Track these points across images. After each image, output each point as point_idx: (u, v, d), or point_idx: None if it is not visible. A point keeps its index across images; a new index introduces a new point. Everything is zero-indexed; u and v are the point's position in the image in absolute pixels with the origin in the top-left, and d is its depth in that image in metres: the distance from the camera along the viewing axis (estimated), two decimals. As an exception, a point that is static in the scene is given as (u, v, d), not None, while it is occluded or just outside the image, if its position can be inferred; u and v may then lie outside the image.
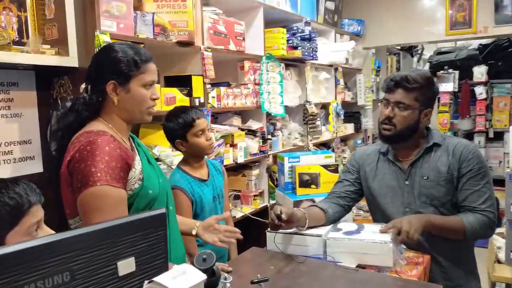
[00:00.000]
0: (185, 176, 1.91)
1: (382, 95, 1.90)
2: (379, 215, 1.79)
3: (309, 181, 2.71)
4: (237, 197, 2.96)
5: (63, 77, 1.90)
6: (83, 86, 1.33)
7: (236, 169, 2.97)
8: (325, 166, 2.69)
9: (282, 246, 1.65)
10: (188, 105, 2.29)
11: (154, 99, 1.37)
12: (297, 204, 2.53)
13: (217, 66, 2.97)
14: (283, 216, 1.51)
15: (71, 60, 1.80)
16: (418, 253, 1.57)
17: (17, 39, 1.80)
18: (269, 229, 1.64)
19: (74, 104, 1.32)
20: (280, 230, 1.61)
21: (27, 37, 1.83)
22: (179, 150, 1.94)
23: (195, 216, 1.90)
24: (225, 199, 2.12)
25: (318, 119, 3.81)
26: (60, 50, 1.82)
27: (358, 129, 4.73)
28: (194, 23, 2.24)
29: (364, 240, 1.50)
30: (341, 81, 4.17)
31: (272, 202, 3.04)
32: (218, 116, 2.82)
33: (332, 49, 3.92)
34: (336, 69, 4.05)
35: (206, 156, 2.03)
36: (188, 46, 2.23)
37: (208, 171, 2.01)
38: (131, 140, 1.40)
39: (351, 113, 4.68)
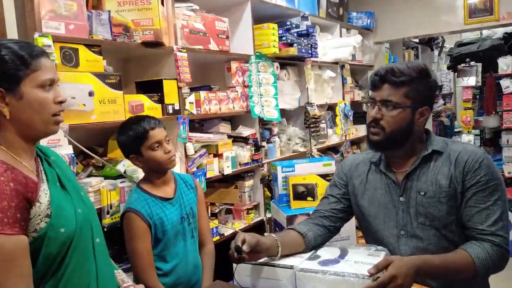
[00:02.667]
0: (143, 195, 1.66)
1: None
2: (370, 237, 1.49)
3: (305, 193, 2.41)
4: (229, 211, 2.70)
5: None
6: None
7: (227, 181, 2.71)
8: (324, 176, 2.38)
9: (250, 279, 1.37)
10: (160, 112, 2.05)
11: (60, 102, 1.09)
12: (290, 219, 2.25)
13: (201, 69, 2.74)
14: (244, 248, 1.24)
15: (12, 67, 1.58)
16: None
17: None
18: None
19: None
20: (249, 262, 1.34)
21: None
22: (136, 166, 1.70)
23: (157, 242, 1.66)
24: (201, 217, 1.86)
25: (323, 121, 3.50)
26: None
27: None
28: (164, 21, 2.00)
29: (339, 273, 1.21)
30: (349, 79, 3.84)
31: (269, 215, 2.76)
32: (204, 123, 2.57)
33: (336, 45, 3.61)
34: (342, 67, 3.74)
35: (172, 170, 1.79)
36: (156, 47, 2.00)
37: (176, 187, 1.76)
38: (38, 160, 1.13)
39: (363, 114, 4.33)
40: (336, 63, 3.68)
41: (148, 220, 1.62)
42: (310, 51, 3.05)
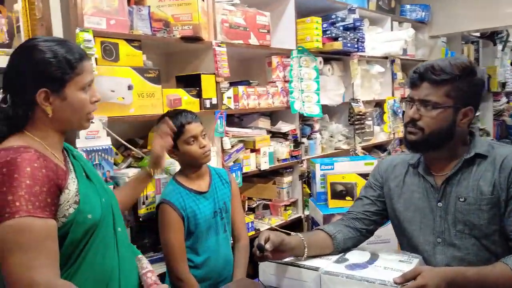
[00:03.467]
0: (177, 188, 1.69)
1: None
2: (405, 243, 1.41)
3: (344, 192, 2.34)
4: (266, 207, 2.68)
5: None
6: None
7: (266, 176, 2.69)
8: (364, 175, 2.29)
9: (275, 278, 1.35)
10: (198, 107, 2.07)
11: (95, 102, 1.14)
12: (327, 218, 2.19)
13: (242, 63, 2.74)
14: (267, 246, 1.21)
15: (57, 61, 1.66)
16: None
17: (7, 41, 1.71)
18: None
19: None
20: (274, 260, 1.32)
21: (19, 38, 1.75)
22: (173, 158, 1.73)
23: (189, 234, 1.68)
24: (236, 212, 1.85)
25: (369, 118, 3.38)
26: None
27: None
28: (203, 16, 2.01)
29: (366, 278, 1.16)
30: (400, 75, 3.66)
31: (307, 213, 2.71)
32: (243, 118, 2.56)
33: (387, 38, 3.45)
34: (392, 62, 3.57)
35: (208, 164, 1.80)
36: (195, 42, 2.01)
37: (210, 181, 1.77)
38: (66, 152, 1.18)
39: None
40: (386, 57, 3.53)
41: (181, 213, 1.64)
42: (356, 45, 2.94)
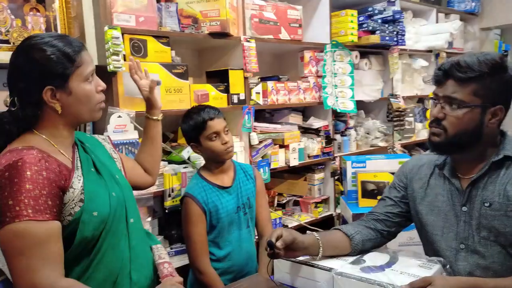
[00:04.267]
0: (201, 182, 1.71)
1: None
2: (428, 248, 1.34)
3: (375, 191, 2.27)
4: (296, 203, 2.66)
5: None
6: (7, 99, 1.10)
7: (297, 172, 2.67)
8: (397, 174, 2.21)
9: (289, 277, 1.34)
10: (226, 102, 2.09)
11: (101, 91, 1.15)
12: (357, 217, 2.14)
13: (276, 58, 2.72)
14: (278, 244, 1.20)
15: (89, 58, 1.73)
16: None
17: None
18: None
19: (2, 122, 1.08)
20: (289, 258, 1.31)
21: (57, 37, 1.84)
22: (196, 153, 1.75)
23: (212, 228, 1.70)
24: (261, 208, 1.85)
25: (409, 115, 3.24)
26: (82, 49, 1.78)
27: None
28: (232, 12, 2.02)
29: (377, 282, 1.11)
30: (444, 70, 3.47)
31: (339, 211, 2.66)
32: (274, 114, 2.55)
33: (431, 31, 3.28)
34: (437, 55, 3.39)
35: (233, 159, 1.81)
36: (223, 37, 2.02)
37: (234, 176, 1.78)
38: (76, 148, 1.18)
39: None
40: (430, 51, 3.36)
41: (203, 207, 1.66)
42: (396, 39, 2.82)
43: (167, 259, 1.34)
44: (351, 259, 1.32)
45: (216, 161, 1.73)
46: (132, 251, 1.19)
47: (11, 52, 1.72)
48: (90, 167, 1.16)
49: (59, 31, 1.85)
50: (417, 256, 1.32)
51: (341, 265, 1.27)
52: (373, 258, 1.32)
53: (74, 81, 1.09)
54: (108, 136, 1.47)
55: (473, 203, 1.20)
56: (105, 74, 1.69)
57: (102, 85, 1.16)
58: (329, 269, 1.24)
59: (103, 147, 1.33)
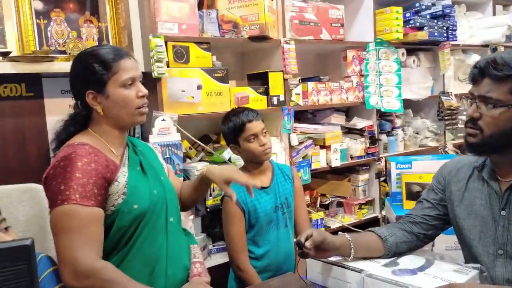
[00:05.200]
0: None
1: None
2: (466, 253, 1.30)
3: (420, 193, 2.20)
4: (340, 204, 2.63)
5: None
6: (73, 102, 1.28)
7: (341, 173, 2.64)
8: (445, 175, 2.13)
9: (321, 277, 1.35)
10: (265, 104, 2.13)
11: (142, 96, 1.24)
12: (400, 219, 2.09)
13: (319, 58, 2.72)
14: (307, 244, 1.22)
15: (136, 65, 1.85)
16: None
17: (98, 49, 1.96)
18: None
19: (66, 121, 1.27)
20: (321, 259, 1.32)
21: (109, 47, 1.99)
22: (235, 154, 1.81)
23: (250, 227, 1.74)
24: (299, 208, 1.88)
25: (463, 113, 3.08)
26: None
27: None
28: (271, 15, 2.05)
29: (406, 285, 1.10)
30: (503, 65, 3.26)
31: (384, 213, 2.60)
32: (316, 114, 2.55)
33: (487, 25, 3.10)
34: (494, 50, 3.20)
35: (271, 160, 1.85)
36: (262, 41, 2.06)
37: (272, 177, 1.82)
38: (127, 147, 1.31)
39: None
40: (487, 46, 3.17)
41: (242, 206, 1.71)
42: (446, 34, 2.71)
43: (201, 259, 1.42)
44: (385, 261, 1.31)
45: (254, 162, 1.78)
46: (169, 247, 1.27)
47: (67, 62, 1.90)
48: (136, 166, 1.27)
49: (110, 41, 2.00)
50: (455, 261, 1.28)
51: (373, 267, 1.26)
52: (408, 261, 1.30)
53: (111, 86, 1.20)
54: (159, 145, 1.63)
55: (512, 207, 1.14)
56: (150, 80, 1.80)
57: (143, 91, 1.26)
58: (360, 271, 1.23)
59: (154, 153, 1.46)
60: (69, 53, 1.86)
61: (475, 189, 1.26)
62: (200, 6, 2.05)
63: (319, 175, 2.59)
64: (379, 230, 1.38)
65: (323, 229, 2.33)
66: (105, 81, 1.20)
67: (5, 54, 1.69)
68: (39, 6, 1.86)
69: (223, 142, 2.21)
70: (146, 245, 1.22)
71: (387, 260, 1.31)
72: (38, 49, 1.84)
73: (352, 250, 1.30)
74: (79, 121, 1.25)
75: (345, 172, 2.64)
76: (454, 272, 1.17)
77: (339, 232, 1.39)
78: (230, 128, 1.75)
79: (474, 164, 1.30)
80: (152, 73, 1.75)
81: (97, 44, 1.96)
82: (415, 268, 1.23)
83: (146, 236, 1.22)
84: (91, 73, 1.19)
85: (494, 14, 3.22)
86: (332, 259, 1.33)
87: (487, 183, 1.22)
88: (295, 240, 1.26)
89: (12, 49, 1.76)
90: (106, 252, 1.17)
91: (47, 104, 1.93)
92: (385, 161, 2.55)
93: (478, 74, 1.16)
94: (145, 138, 1.85)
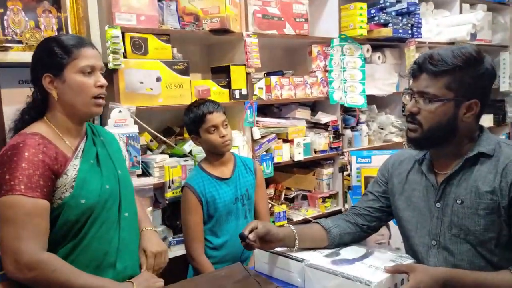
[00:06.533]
0: (200, 173, 1.78)
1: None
2: (405, 243, 1.34)
3: (378, 187, 2.25)
4: (304, 198, 2.67)
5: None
6: (31, 92, 1.27)
7: (307, 167, 2.68)
8: (403, 170, 2.18)
9: (268, 267, 1.38)
10: (228, 97, 2.14)
11: (100, 86, 1.24)
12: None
13: (286, 53, 2.74)
14: (250, 236, 1.25)
15: (94, 56, 1.83)
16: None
17: (57, 39, 1.94)
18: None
19: (23, 110, 1.27)
20: (266, 249, 1.35)
21: (68, 37, 1.97)
22: (196, 145, 1.82)
23: (209, 217, 1.76)
24: (260, 200, 1.91)
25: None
26: (88, 47, 1.88)
27: (500, 121, 3.77)
28: (233, 8, 2.06)
29: (342, 273, 1.13)
30: (469, 62, 3.33)
31: (347, 206, 2.65)
32: (282, 108, 2.57)
33: (453, 22, 3.17)
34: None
35: (234, 153, 1.87)
36: (224, 34, 2.07)
37: (234, 169, 1.84)
38: (85, 138, 1.29)
39: (490, 102, 3.74)
40: (453, 43, 3.24)
41: (200, 196, 1.73)
42: (411, 31, 2.75)
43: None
44: (328, 251, 1.35)
45: (215, 153, 1.79)
46: (121, 242, 1.27)
47: (23, 52, 1.87)
48: (90, 159, 1.26)
49: (70, 31, 1.98)
50: (394, 252, 1.32)
51: (315, 256, 1.30)
52: (349, 251, 1.34)
53: (69, 71, 1.20)
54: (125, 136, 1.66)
55: (446, 200, 1.19)
56: (107, 71, 1.79)
57: (102, 81, 1.25)
58: (301, 260, 1.27)
59: (118, 143, 1.46)
60: (26, 43, 1.83)
61: (415, 181, 1.30)
62: (161, -3, 2.04)
63: (285, 169, 2.62)
64: (324, 222, 1.41)
65: (286, 222, 2.36)
66: (63, 65, 1.20)
67: (-44, 43, 1.66)
68: (-5, -6, 1.82)
69: (186, 135, 2.22)
70: (95, 239, 1.22)
71: (330, 251, 1.35)
72: (-7, 38, 1.81)
73: (297, 241, 1.33)
74: (35, 109, 1.25)
75: (310, 166, 2.68)
76: (390, 262, 1.22)
77: (285, 224, 1.42)
78: (191, 119, 1.76)
79: (415, 158, 1.34)
80: (108, 64, 1.74)
81: (56, 34, 1.94)
82: (354, 258, 1.27)
83: (96, 230, 1.22)
84: (50, 56, 1.20)
85: (461, 12, 3.29)
86: (280, 250, 1.36)
87: (425, 176, 1.26)
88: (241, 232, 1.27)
89: (-34, 38, 1.73)
90: (52, 245, 1.17)
91: (4, 94, 1.89)
92: (349, 155, 2.59)
93: (417, 70, 1.20)
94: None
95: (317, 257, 1.29)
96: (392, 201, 1.37)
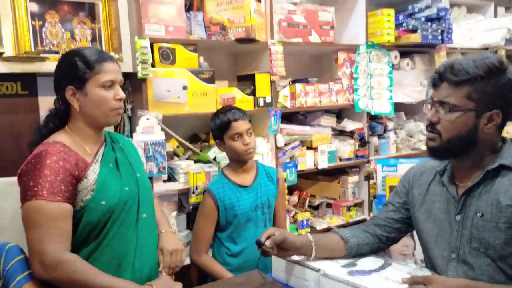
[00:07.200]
0: (222, 179, 1.82)
1: None
2: (424, 256, 1.32)
3: (404, 196, 2.21)
4: (329, 206, 2.66)
5: (125, 81, 2.05)
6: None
7: (332, 174, 2.67)
8: (430, 179, 2.14)
9: (285, 275, 1.40)
10: (252, 105, 2.17)
11: (119, 99, 1.31)
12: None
13: (313, 60, 2.75)
14: (267, 243, 1.27)
15: (124, 65, 1.92)
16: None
17: (90, 49, 2.04)
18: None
19: (47, 117, 1.35)
20: (283, 257, 1.37)
21: (101, 46, 2.07)
22: (220, 150, 1.86)
23: (228, 224, 1.80)
24: (279, 210, 1.92)
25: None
26: (120, 57, 1.97)
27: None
28: (259, 17, 2.09)
29: (357, 285, 1.14)
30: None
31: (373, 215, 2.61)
32: (307, 116, 2.58)
33: (487, 27, 3.07)
34: (494, 53, 3.16)
35: (257, 160, 1.90)
36: (249, 43, 2.10)
37: (256, 176, 1.86)
38: (104, 144, 1.37)
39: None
40: (486, 49, 3.14)
41: (217, 202, 1.76)
42: (441, 37, 2.70)
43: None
44: (345, 261, 1.35)
45: (237, 160, 1.82)
46: (139, 242, 1.33)
47: (60, 62, 1.97)
48: (110, 163, 1.33)
49: (103, 41, 2.08)
50: (411, 264, 1.31)
51: (332, 266, 1.30)
52: (367, 262, 1.33)
53: (91, 85, 1.28)
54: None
55: (467, 212, 1.17)
56: (136, 80, 1.88)
57: (121, 95, 1.32)
58: (318, 270, 1.28)
59: (136, 149, 1.53)
60: (62, 54, 1.94)
61: (435, 193, 1.28)
62: (190, 8, 2.11)
63: (309, 176, 2.62)
64: (342, 231, 1.41)
65: (309, 229, 2.37)
66: (86, 79, 1.27)
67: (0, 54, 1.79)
68: (35, 8, 1.94)
69: (212, 142, 2.27)
70: (115, 239, 1.29)
71: (347, 261, 1.35)
72: (33, 49, 1.93)
73: (314, 250, 1.34)
74: (58, 117, 1.33)
75: (336, 173, 2.67)
76: (407, 274, 1.20)
77: (303, 232, 1.44)
78: (217, 125, 1.80)
79: (436, 169, 1.32)
80: (137, 74, 1.82)
81: (90, 44, 2.05)
82: (371, 270, 1.26)
83: (116, 231, 1.29)
84: (74, 69, 1.27)
85: (495, 16, 3.18)
86: (297, 258, 1.38)
87: (446, 187, 1.24)
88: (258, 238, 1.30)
89: (9, 49, 1.85)
90: (76, 245, 1.24)
91: (41, 101, 2.02)
92: (375, 163, 2.56)
93: (438, 79, 1.19)
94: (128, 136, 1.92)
95: (334, 267, 1.29)
96: (412, 212, 1.35)
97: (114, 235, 1.29)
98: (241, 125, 1.76)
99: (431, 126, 1.20)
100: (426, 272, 1.21)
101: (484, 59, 1.13)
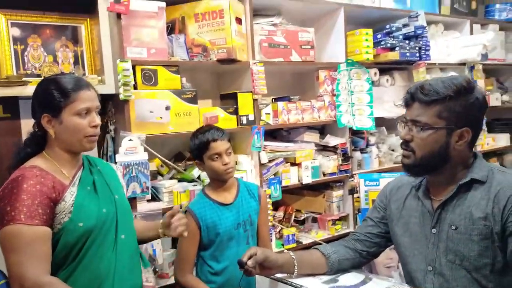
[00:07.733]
0: (203, 198, 1.83)
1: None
2: (403, 269, 1.35)
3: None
4: (314, 220, 2.68)
5: (108, 102, 2.07)
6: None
7: (317, 189, 2.70)
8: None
9: (268, 292, 1.41)
10: (235, 123, 2.20)
11: (94, 126, 1.33)
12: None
13: (295, 79, 2.80)
14: (249, 263, 1.29)
15: (107, 87, 1.94)
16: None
17: (73, 71, 2.06)
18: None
19: (25, 141, 1.37)
20: (266, 275, 1.38)
21: (84, 69, 2.09)
22: (200, 170, 1.88)
23: (210, 242, 1.80)
24: (262, 226, 1.93)
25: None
26: (102, 79, 1.99)
27: (517, 140, 3.70)
28: (240, 39, 2.14)
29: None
30: (481, 82, 3.32)
31: (358, 229, 2.64)
32: (291, 132, 2.62)
33: (464, 44, 3.17)
34: (471, 68, 3.26)
35: (238, 178, 1.92)
36: (230, 63, 2.15)
37: (237, 194, 1.88)
38: (82, 168, 1.38)
39: (505, 121, 3.70)
40: (464, 64, 3.24)
41: (199, 222, 1.77)
42: (418, 54, 2.78)
43: (153, 283, 1.48)
44: (327, 278, 1.37)
45: (217, 179, 1.84)
46: (118, 264, 1.33)
47: (41, 86, 1.97)
48: (87, 186, 1.34)
49: (85, 64, 2.10)
50: (391, 279, 1.33)
51: (313, 283, 1.32)
52: (348, 278, 1.36)
53: (66, 113, 1.29)
54: (123, 165, 1.80)
55: (442, 225, 1.20)
56: (119, 101, 1.89)
57: (96, 122, 1.34)
58: (300, 287, 1.29)
59: (115, 172, 1.55)
60: (44, 77, 1.96)
61: (411, 207, 1.32)
62: (171, 31, 2.14)
63: (294, 191, 2.64)
64: (323, 248, 1.44)
65: (295, 244, 2.38)
66: (61, 108, 1.28)
67: (-19, 78, 1.79)
68: (17, 32, 1.96)
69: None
70: (94, 261, 1.29)
71: (329, 277, 1.37)
72: (15, 73, 1.94)
73: (296, 267, 1.36)
74: (35, 142, 1.34)
75: (320, 188, 2.70)
76: (386, 289, 1.23)
77: (284, 250, 1.46)
78: (196, 145, 1.81)
79: (412, 184, 1.36)
80: (119, 96, 1.84)
81: (73, 67, 2.07)
82: (352, 285, 1.29)
83: (94, 252, 1.29)
84: (49, 98, 1.28)
85: (471, 33, 3.29)
86: (281, 275, 1.39)
87: (422, 202, 1.28)
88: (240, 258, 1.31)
89: (-9, 73, 1.86)
90: (55, 267, 1.24)
91: (23, 124, 2.02)
92: (357, 178, 2.60)
93: (409, 99, 1.24)
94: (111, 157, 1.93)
95: (316, 284, 1.31)
96: (391, 227, 1.39)
97: (92, 256, 1.29)
98: (219, 146, 1.77)
99: (405, 144, 1.25)
100: (405, 286, 1.24)
101: (453, 80, 1.18)
